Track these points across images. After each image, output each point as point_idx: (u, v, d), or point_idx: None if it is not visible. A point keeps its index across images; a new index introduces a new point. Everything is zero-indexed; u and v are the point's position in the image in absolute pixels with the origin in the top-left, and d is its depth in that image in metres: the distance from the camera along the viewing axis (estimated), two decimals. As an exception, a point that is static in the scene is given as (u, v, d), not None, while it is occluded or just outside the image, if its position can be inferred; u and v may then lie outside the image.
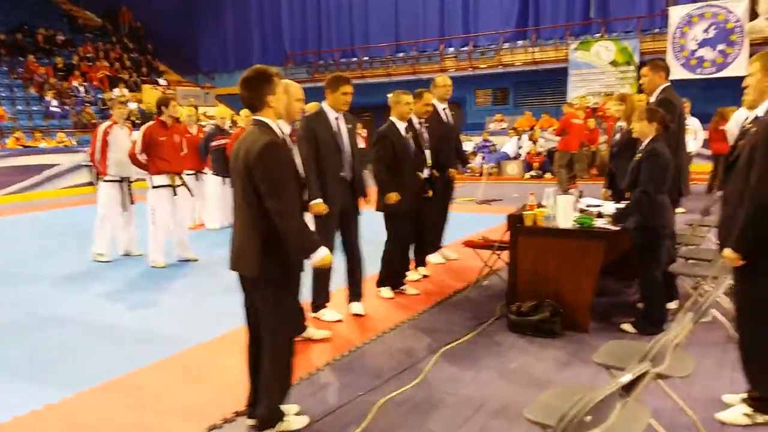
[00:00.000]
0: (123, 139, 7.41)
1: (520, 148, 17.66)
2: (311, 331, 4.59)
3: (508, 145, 17.93)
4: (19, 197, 15.02)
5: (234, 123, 13.23)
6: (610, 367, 2.96)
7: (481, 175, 15.43)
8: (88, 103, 19.95)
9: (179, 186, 7.24)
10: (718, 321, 4.27)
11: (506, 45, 20.21)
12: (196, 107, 11.42)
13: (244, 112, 9.74)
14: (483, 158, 17.61)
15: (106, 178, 7.42)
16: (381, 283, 5.71)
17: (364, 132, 19.55)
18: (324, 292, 4.99)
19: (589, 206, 5.21)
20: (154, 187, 7.11)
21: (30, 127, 17.48)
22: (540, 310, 4.61)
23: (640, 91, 8.47)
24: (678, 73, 16.46)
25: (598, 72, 18.13)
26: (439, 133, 6.39)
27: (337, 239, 4.96)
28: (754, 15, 15.94)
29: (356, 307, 5.14)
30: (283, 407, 3.26)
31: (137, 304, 5.85)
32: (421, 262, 6.37)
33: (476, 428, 3.29)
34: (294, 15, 24.20)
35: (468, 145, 18.06)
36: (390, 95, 5.76)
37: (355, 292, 5.15)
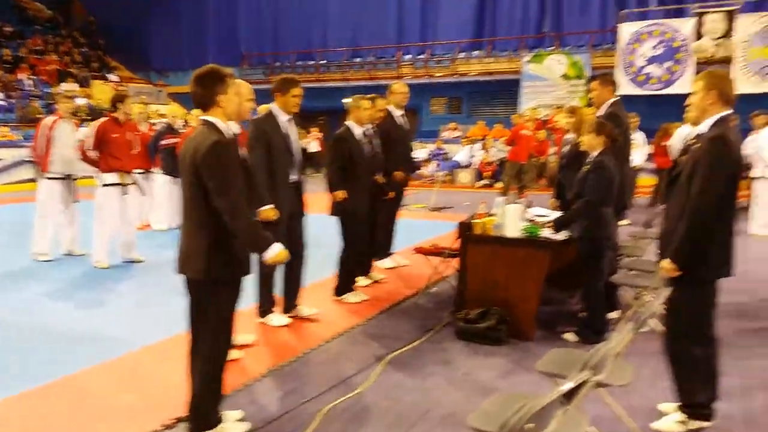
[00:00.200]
0: (68, 135, 7.20)
1: (472, 156, 17.88)
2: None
3: (460, 153, 18.13)
4: (-42, 192, 14.44)
5: (186, 122, 13.03)
6: (552, 375, 3.00)
7: (433, 182, 15.55)
8: (35, 97, 19.32)
9: (130, 185, 7.07)
10: (657, 331, 4.41)
11: (462, 55, 20.45)
12: (147, 104, 11.18)
13: (197, 111, 9.56)
14: (437, 166, 17.76)
15: (49, 174, 7.18)
16: (340, 290, 5.67)
17: (320, 135, 19.55)
18: (270, 297, 4.94)
19: (537, 216, 5.31)
20: (104, 185, 6.92)
21: (-27, 121, 16.87)
22: (487, 318, 4.66)
23: (589, 104, 8.69)
24: (626, 88, 16.95)
25: (549, 84, 18.50)
26: (394, 139, 6.43)
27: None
28: (699, 35, 16.55)
29: (305, 310, 5.11)
30: (224, 413, 3.21)
31: (80, 305, 5.67)
32: (369, 268, 6.36)
33: (420, 435, 3.30)
34: (251, 15, 23.95)
35: (422, 153, 18.20)
36: (348, 99, 5.77)
37: (292, 299, 5.09)
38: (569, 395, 2.35)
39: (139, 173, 7.70)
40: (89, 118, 15.30)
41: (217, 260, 3.00)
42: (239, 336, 4.40)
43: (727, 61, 16.13)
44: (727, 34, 16.23)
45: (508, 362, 4.30)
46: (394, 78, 20.12)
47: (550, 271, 4.79)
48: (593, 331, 4.60)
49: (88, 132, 6.95)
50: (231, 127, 3.15)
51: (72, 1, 25.55)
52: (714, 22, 16.37)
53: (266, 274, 4.81)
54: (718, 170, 3.11)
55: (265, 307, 4.94)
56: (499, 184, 14.45)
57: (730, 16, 16.21)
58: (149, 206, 9.39)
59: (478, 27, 20.49)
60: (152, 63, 25.40)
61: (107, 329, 4.97)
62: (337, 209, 5.55)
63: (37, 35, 22.65)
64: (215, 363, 3.12)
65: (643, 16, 17.77)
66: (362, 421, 3.44)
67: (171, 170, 8.96)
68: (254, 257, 3.24)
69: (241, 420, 3.34)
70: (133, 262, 7.20)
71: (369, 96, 6.00)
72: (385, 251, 6.84)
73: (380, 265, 6.77)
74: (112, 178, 6.92)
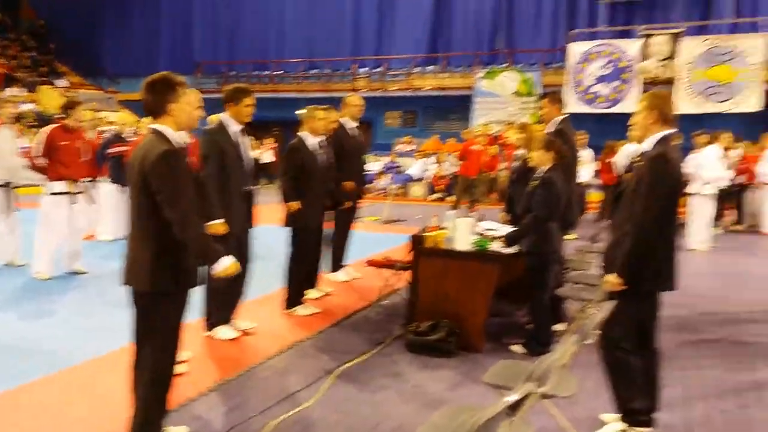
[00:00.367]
0: (8, 142, 6.97)
1: (425, 170, 18.04)
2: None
3: (414, 167, 18.27)
4: None
5: (137, 130, 12.76)
6: (498, 387, 3.03)
7: (386, 195, 15.62)
8: (-22, 101, 18.62)
9: (78, 193, 6.89)
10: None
11: (417, 69, 20.68)
12: (97, 111, 10.92)
13: (147, 119, 9.38)
14: (391, 179, 17.86)
15: (-14, 182, 6.94)
16: (290, 303, 5.62)
17: (274, 145, 19.41)
18: (220, 310, 4.86)
19: (487, 230, 5.39)
20: (51, 193, 6.72)
21: None
22: (437, 330, 4.70)
23: (540, 121, 8.89)
24: (575, 106, 17.40)
25: (501, 101, 18.85)
26: (348, 150, 6.45)
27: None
28: (645, 56, 17.14)
29: (244, 324, 5.04)
30: (168, 429, 3.14)
31: (21, 317, 5.49)
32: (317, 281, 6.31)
33: (368, 448, 3.30)
34: (206, 24, 23.72)
35: (375, 166, 18.28)
36: (303, 110, 5.75)
37: (230, 312, 5.01)
38: (515, 407, 2.38)
39: (86, 182, 7.52)
40: (36, 124, 14.85)
41: (163, 272, 2.94)
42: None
43: (671, 81, 16.75)
44: (671, 55, 16.86)
45: (457, 374, 4.34)
46: (350, 90, 20.20)
47: (499, 284, 4.86)
48: (539, 343, 4.68)
49: (37, 139, 6.75)
50: (181, 137, 3.11)
51: (20, 4, 24.81)
52: (659, 44, 17.00)
53: (215, 286, 4.70)
54: (659, 188, 3.22)
55: (214, 320, 4.86)
56: (452, 198, 14.63)
57: (675, 38, 16.86)
58: (95, 216, 9.14)
59: (433, 42, 20.79)
60: (103, 69, 24.85)
61: (50, 342, 4.81)
62: (289, 220, 5.52)
63: (-17, 38, 21.94)
64: (160, 378, 3.05)
65: (592, 36, 18.32)
66: (310, 435, 3.41)
67: (118, 179, 8.77)
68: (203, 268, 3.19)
69: (187, 435, 3.27)
70: (75, 273, 6.99)
71: (323, 107, 6.00)
72: (338, 264, 6.82)
73: (333, 278, 6.75)
74: (60, 186, 6.73)
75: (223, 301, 4.91)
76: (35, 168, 6.70)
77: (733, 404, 3.93)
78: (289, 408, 3.70)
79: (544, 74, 18.68)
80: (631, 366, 3.39)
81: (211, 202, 4.47)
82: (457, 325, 4.72)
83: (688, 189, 9.69)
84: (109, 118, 15.91)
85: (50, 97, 19.65)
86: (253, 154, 5.04)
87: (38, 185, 6.96)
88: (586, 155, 10.95)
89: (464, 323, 4.74)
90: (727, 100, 16.28)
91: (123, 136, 9.23)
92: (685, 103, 16.50)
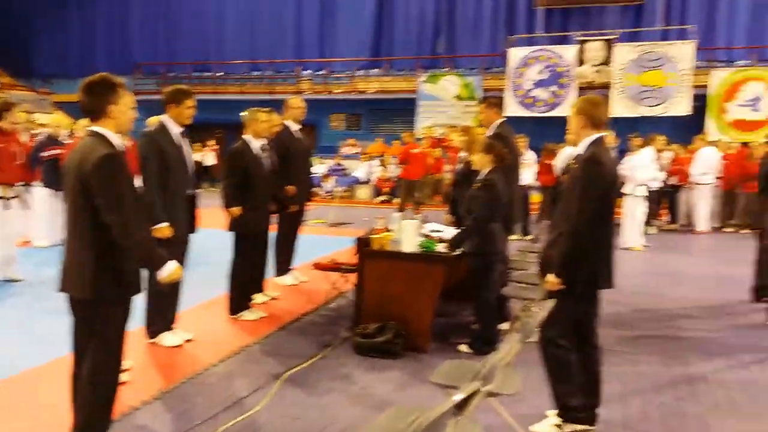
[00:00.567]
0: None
1: (371, 173, 18.10)
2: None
3: (359, 169, 18.31)
4: None
5: (72, 133, 12.33)
6: (445, 387, 3.08)
7: (332, 197, 15.60)
8: None
9: (12, 198, 6.62)
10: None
11: (360, 72, 20.73)
12: (30, 113, 10.49)
13: (83, 122, 9.11)
14: (336, 181, 17.84)
15: None
16: (235, 308, 5.55)
17: (216, 148, 19.09)
18: (163, 316, 4.77)
19: (432, 231, 5.47)
20: None
21: None
22: (384, 332, 4.73)
23: (481, 125, 9.06)
24: (515, 110, 17.81)
25: (444, 104, 19.11)
26: (294, 153, 6.42)
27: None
28: (581, 61, 17.68)
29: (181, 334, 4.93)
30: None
31: (-54, 329, 5.23)
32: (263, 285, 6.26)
33: (317, 452, 3.29)
34: (144, 24, 23.15)
35: (320, 168, 18.24)
36: (245, 112, 5.69)
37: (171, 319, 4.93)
38: (461, 406, 2.42)
39: (20, 186, 7.23)
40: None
41: (103, 278, 2.87)
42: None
43: (606, 86, 17.34)
44: (606, 61, 17.45)
45: (405, 375, 4.38)
46: (293, 93, 20.08)
47: (445, 285, 4.93)
48: (485, 342, 4.77)
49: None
50: (120, 140, 3.04)
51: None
52: (594, 50, 17.57)
53: (158, 291, 4.59)
54: (591, 189, 3.32)
55: (157, 326, 4.75)
56: (397, 200, 14.73)
57: (609, 45, 17.46)
58: (30, 221, 8.80)
59: (376, 46, 20.89)
60: (36, 69, 23.94)
61: (-21, 354, 4.61)
62: (233, 225, 5.46)
63: None
64: (103, 388, 2.97)
65: (530, 42, 18.77)
66: (258, 441, 3.38)
67: (52, 183, 8.47)
68: (144, 273, 3.12)
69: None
70: (10, 280, 6.72)
71: (265, 109, 5.96)
72: (284, 268, 6.78)
73: (280, 281, 6.71)
74: (-6, 190, 6.46)
75: (165, 308, 4.81)
76: None
77: (669, 398, 4.10)
78: (237, 414, 3.66)
79: (484, 78, 19.03)
80: (569, 363, 3.48)
81: (154, 206, 4.38)
82: (404, 327, 4.76)
83: (623, 190, 10.05)
84: (40, 120, 15.32)
85: (-24, 99, 18.80)
86: (196, 156, 4.96)
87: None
88: (528, 158, 11.20)
89: (411, 324, 4.79)
90: (659, 104, 16.97)
91: (57, 138, 8.90)
92: (619, 107, 17.12)
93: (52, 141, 8.70)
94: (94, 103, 2.93)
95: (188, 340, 4.87)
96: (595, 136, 3.43)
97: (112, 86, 2.96)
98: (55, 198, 8.42)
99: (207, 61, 22.43)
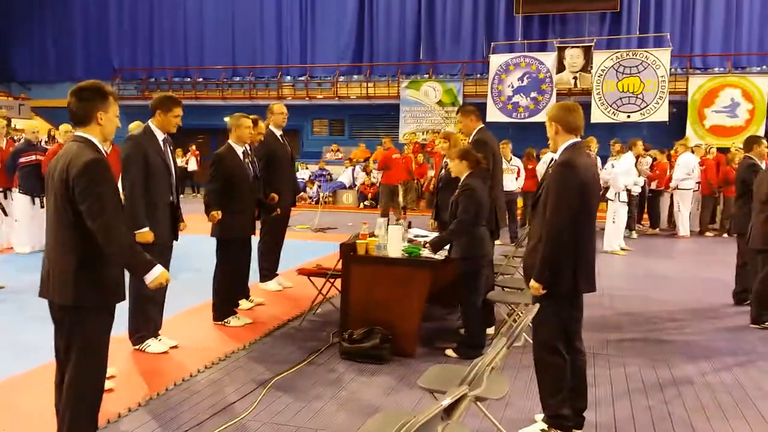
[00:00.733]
0: None
1: (355, 178, 18.11)
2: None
3: (344, 174, 18.32)
4: None
5: (52, 138, 12.20)
6: (432, 391, 3.08)
7: (317, 203, 15.57)
8: None
9: None
10: (530, 345, 4.66)
11: (342, 78, 20.75)
12: (9, 120, 10.34)
13: (64, 127, 9.01)
14: (319, 187, 17.82)
15: None
16: (220, 314, 5.50)
17: (197, 153, 19.00)
18: (148, 323, 4.72)
19: (417, 236, 5.48)
20: None
21: None
22: (371, 337, 4.72)
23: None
24: (496, 116, 17.97)
25: (426, 110, 19.21)
26: (280, 157, 6.41)
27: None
28: (561, 68, 17.86)
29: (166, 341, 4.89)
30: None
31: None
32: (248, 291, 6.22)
33: (306, 458, 3.28)
34: (123, 28, 22.99)
35: (305, 174, 18.22)
36: (229, 118, 5.66)
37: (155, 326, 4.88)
38: (449, 410, 2.43)
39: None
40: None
41: (85, 285, 2.83)
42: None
43: (586, 92, 17.54)
44: (585, 68, 17.65)
45: (392, 380, 4.37)
46: (275, 98, 20.10)
47: (431, 290, 4.94)
48: (472, 347, 4.78)
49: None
50: (102, 146, 3.02)
51: None
52: (573, 56, 17.79)
53: (143, 296, 4.54)
54: (565, 193, 3.32)
55: (142, 333, 4.70)
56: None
57: (587, 51, 17.67)
58: (9, 228, 8.68)
59: (358, 51, 20.93)
60: (13, 74, 23.65)
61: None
62: (216, 230, 5.42)
63: None
64: (85, 395, 2.93)
65: (510, 49, 18.93)
66: (246, 448, 3.36)
67: (31, 189, 8.37)
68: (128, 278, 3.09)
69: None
70: (-8, 288, 6.63)
71: (251, 116, 5.94)
72: (270, 273, 6.75)
73: (265, 287, 6.67)
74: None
75: (150, 314, 4.76)
76: None
77: (656, 401, 4.13)
78: (224, 421, 3.63)
79: (465, 84, 19.18)
80: (559, 367, 3.47)
81: (137, 211, 4.35)
82: (391, 332, 4.76)
83: (608, 195, 10.15)
84: (16, 125, 15.14)
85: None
86: (179, 162, 4.93)
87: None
88: (514, 164, 11.23)
89: (397, 329, 4.78)
90: (638, 110, 17.19)
91: (36, 144, 8.79)
92: (598, 113, 17.34)
93: (29, 147, 8.59)
94: (84, 109, 2.92)
95: (174, 347, 4.82)
96: (571, 141, 3.45)
97: (103, 94, 2.95)
98: (33, 204, 8.31)
99: (187, 67, 22.32)
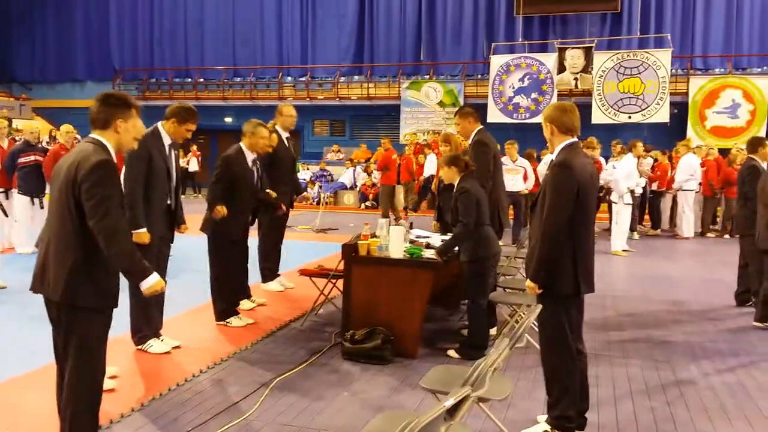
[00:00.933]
0: None
1: (356, 179, 18.11)
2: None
3: (345, 175, 18.31)
4: None
5: (53, 138, 12.18)
6: (435, 392, 3.08)
7: (318, 203, 15.57)
8: None
9: None
10: (532, 345, 4.67)
11: (343, 79, 20.76)
12: (9, 120, 10.31)
13: (65, 127, 9.02)
14: (320, 187, 17.83)
15: None
16: (222, 314, 5.50)
17: (198, 154, 19.00)
18: (151, 322, 4.72)
19: (419, 237, 5.48)
20: None
21: None
22: (372, 338, 4.72)
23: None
24: (496, 116, 17.98)
25: (427, 111, 19.22)
26: (282, 157, 6.42)
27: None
28: (562, 69, 17.86)
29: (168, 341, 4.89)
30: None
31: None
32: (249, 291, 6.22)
33: (309, 458, 3.28)
34: (123, 29, 23.01)
35: (306, 174, 18.22)
36: (246, 123, 5.66)
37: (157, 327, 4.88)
38: (452, 411, 2.43)
39: (0, 192, 7.14)
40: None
41: (80, 284, 2.82)
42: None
43: (587, 93, 17.55)
44: (585, 68, 17.65)
45: (395, 380, 4.37)
46: (276, 99, 20.11)
47: (433, 291, 4.94)
48: (475, 347, 4.78)
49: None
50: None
51: None
52: (574, 57, 17.79)
53: (143, 297, 4.54)
54: (561, 194, 3.32)
55: (144, 333, 4.70)
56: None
57: (588, 52, 17.67)
58: (10, 228, 8.68)
59: (358, 52, 20.94)
60: (14, 74, 23.68)
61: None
62: (207, 226, 5.41)
63: None
64: (85, 395, 2.93)
65: (511, 49, 18.93)
66: (249, 448, 3.36)
67: (31, 190, 8.37)
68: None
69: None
70: (-7, 288, 6.63)
71: (269, 125, 5.92)
72: (271, 273, 6.75)
73: (267, 288, 6.68)
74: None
75: (151, 314, 4.76)
76: None
77: (659, 402, 4.13)
78: (227, 421, 3.63)
79: (466, 85, 19.18)
80: (558, 368, 3.47)
81: (135, 210, 4.35)
82: (393, 332, 4.76)
83: (612, 197, 10.14)
84: (17, 126, 15.12)
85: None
86: (181, 162, 4.94)
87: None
88: (520, 164, 11.19)
89: (399, 330, 4.78)
90: (639, 111, 17.19)
91: (35, 144, 8.76)
92: (599, 114, 17.35)
93: (28, 147, 8.56)
94: (106, 113, 2.96)
95: (176, 347, 4.83)
96: (567, 141, 3.45)
97: (128, 104, 3.02)
98: (32, 205, 8.32)
99: (188, 67, 22.33)
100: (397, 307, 4.81)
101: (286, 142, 6.66)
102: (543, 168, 10.61)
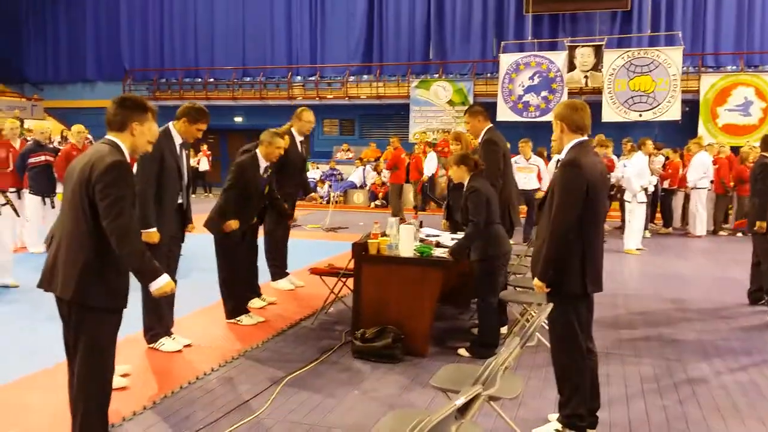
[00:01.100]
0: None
1: (365, 178, 18.12)
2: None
3: (354, 174, 18.32)
4: None
5: (64, 138, 12.25)
6: (446, 391, 3.08)
7: (328, 202, 15.59)
8: None
9: (4, 205, 6.58)
10: (543, 344, 4.66)
11: (352, 78, 20.77)
12: (21, 120, 10.37)
13: (77, 127, 9.07)
14: (330, 186, 17.85)
15: None
16: (232, 313, 5.53)
17: (208, 153, 19.08)
18: (162, 320, 4.75)
19: (428, 236, 5.48)
20: None
21: None
22: (383, 336, 4.73)
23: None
24: (506, 115, 17.92)
25: (436, 110, 19.19)
26: (292, 159, 6.44)
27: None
28: (572, 67, 17.78)
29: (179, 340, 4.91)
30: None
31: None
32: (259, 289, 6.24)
33: (320, 456, 3.28)
34: (134, 30, 23.10)
35: (315, 173, 18.26)
36: (264, 133, 5.70)
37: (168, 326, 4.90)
38: (463, 409, 2.43)
39: (11, 192, 7.19)
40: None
41: (90, 284, 2.84)
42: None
43: (597, 91, 17.46)
44: (596, 67, 17.56)
45: (405, 379, 4.37)
46: (285, 99, 20.15)
47: (443, 289, 4.94)
48: (485, 346, 4.78)
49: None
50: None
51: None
52: (584, 55, 17.69)
53: (153, 298, 4.57)
54: (570, 193, 3.29)
55: (155, 331, 4.73)
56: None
57: (598, 50, 17.57)
58: (22, 227, 8.75)
59: (367, 51, 20.91)
60: (26, 75, 23.86)
61: (-23, 361, 4.57)
62: (214, 225, 5.43)
63: None
64: (95, 393, 2.95)
65: (521, 48, 18.86)
66: (260, 446, 3.37)
67: (41, 190, 8.42)
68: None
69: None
70: (7, 287, 6.68)
71: (285, 128, 5.91)
72: (280, 271, 6.77)
73: (277, 286, 6.69)
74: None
75: (163, 313, 4.79)
76: None
77: (671, 401, 4.11)
78: (238, 419, 3.65)
79: (476, 84, 19.12)
80: (568, 367, 3.45)
81: (146, 210, 4.38)
82: (403, 331, 4.76)
83: (625, 196, 10.08)
84: (29, 126, 15.19)
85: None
86: (191, 162, 4.97)
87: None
88: (534, 162, 11.12)
89: (409, 328, 4.78)
90: (650, 109, 17.09)
91: (45, 145, 8.81)
92: (610, 112, 17.25)
93: (38, 147, 8.60)
94: (122, 116, 2.99)
95: (187, 346, 4.85)
96: (577, 140, 3.42)
97: (144, 107, 3.05)
98: (43, 204, 8.39)
99: (198, 67, 22.41)
100: (408, 306, 4.81)
101: (298, 145, 6.68)
102: (553, 166, 10.56)
